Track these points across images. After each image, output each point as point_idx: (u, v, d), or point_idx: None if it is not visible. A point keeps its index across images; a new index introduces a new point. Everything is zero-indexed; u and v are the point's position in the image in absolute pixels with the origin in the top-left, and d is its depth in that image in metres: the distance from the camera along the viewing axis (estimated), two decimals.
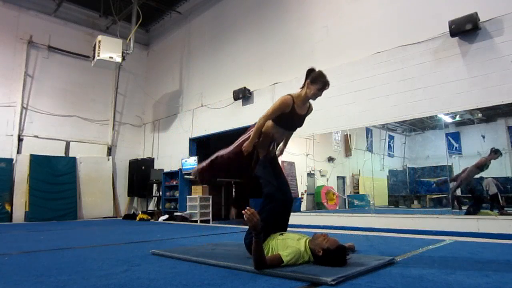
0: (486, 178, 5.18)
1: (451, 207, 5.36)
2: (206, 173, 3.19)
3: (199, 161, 8.68)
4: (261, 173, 2.89)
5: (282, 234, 2.67)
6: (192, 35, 10.05)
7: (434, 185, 6.19)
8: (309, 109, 2.99)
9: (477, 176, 5.22)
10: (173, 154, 9.76)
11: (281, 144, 3.21)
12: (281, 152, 3.27)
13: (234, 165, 3.10)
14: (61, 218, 8.80)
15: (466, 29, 4.84)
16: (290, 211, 2.97)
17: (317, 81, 2.77)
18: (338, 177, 7.99)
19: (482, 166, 5.07)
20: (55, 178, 9.03)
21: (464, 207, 5.31)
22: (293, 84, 6.94)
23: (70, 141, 9.80)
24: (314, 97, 2.83)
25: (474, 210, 5.06)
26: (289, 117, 2.84)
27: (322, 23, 6.87)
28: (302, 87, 2.85)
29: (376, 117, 5.87)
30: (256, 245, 2.23)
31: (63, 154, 9.59)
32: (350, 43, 6.38)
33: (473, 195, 5.32)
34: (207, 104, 9.06)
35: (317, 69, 2.84)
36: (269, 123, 2.91)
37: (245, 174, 3.22)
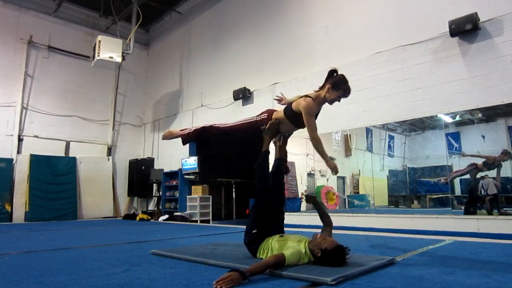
0: (486, 178, 5.17)
1: (451, 207, 5.36)
2: (191, 139, 3.22)
3: (199, 161, 8.69)
4: (257, 169, 2.90)
5: (282, 236, 2.67)
6: (192, 35, 10.05)
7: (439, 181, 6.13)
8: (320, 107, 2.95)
9: (478, 176, 5.21)
10: (173, 154, 9.76)
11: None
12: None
13: (225, 137, 3.18)
14: (61, 218, 8.79)
15: (466, 29, 4.84)
16: (284, 211, 2.99)
17: (339, 87, 2.70)
18: (338, 177, 7.98)
19: (489, 164, 5.06)
20: (55, 178, 9.03)
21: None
22: (293, 84, 6.95)
23: (70, 141, 9.80)
24: (332, 102, 2.79)
25: (474, 210, 5.06)
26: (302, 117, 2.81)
27: (322, 23, 6.87)
28: (321, 88, 2.78)
29: (376, 117, 5.87)
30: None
31: (63, 154, 9.58)
32: (350, 43, 6.38)
33: (471, 194, 5.32)
34: (207, 104, 9.06)
35: (339, 72, 2.76)
36: (281, 116, 2.91)
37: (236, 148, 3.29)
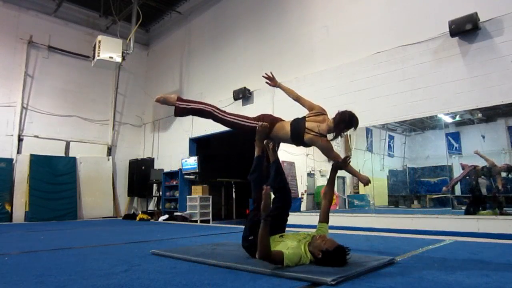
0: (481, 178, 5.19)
1: (451, 207, 5.36)
2: (186, 113, 3.10)
3: (200, 161, 8.68)
4: (250, 178, 2.87)
5: (281, 236, 2.67)
6: (192, 35, 10.05)
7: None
8: None
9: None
10: (173, 154, 9.76)
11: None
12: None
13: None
14: (61, 218, 8.79)
15: (466, 29, 4.84)
16: (288, 212, 2.97)
17: (351, 125, 2.81)
18: (338, 177, 7.95)
19: (488, 168, 5.07)
20: (55, 178, 9.03)
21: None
22: (293, 84, 6.92)
23: (70, 141, 9.80)
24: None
25: (474, 210, 5.06)
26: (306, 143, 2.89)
27: (322, 23, 6.87)
28: (334, 123, 2.79)
29: (376, 117, 5.86)
30: (262, 229, 2.22)
31: (63, 154, 9.58)
32: (350, 43, 6.37)
33: (473, 194, 5.32)
34: None
35: (347, 111, 2.83)
36: (285, 131, 2.88)
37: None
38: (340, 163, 2.85)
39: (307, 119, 2.88)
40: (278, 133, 2.94)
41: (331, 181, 2.97)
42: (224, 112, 3.04)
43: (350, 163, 2.90)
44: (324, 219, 2.81)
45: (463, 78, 4.97)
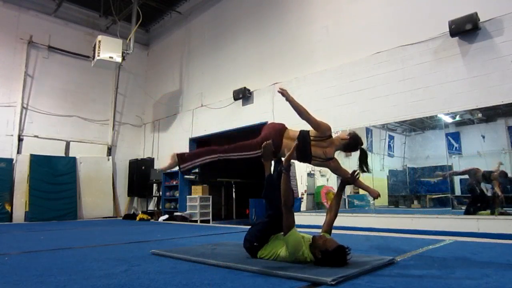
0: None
1: (451, 207, 5.36)
2: (191, 167, 3.03)
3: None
4: (266, 196, 2.86)
5: None
6: (192, 35, 10.05)
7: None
8: None
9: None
10: None
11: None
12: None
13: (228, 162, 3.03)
14: (61, 218, 8.79)
15: (466, 29, 4.84)
16: None
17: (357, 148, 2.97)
18: (338, 177, 7.96)
19: (488, 172, 5.07)
20: (55, 178, 9.03)
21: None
22: (293, 84, 6.94)
23: (70, 141, 9.80)
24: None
25: (474, 210, 5.06)
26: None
27: (322, 23, 6.87)
28: (344, 145, 2.91)
29: (376, 117, 5.87)
30: (285, 179, 2.49)
31: (63, 154, 9.58)
32: (350, 43, 6.38)
33: (472, 194, 5.32)
34: (207, 104, 9.06)
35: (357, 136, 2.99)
36: (290, 143, 2.83)
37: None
38: (349, 179, 2.92)
39: (312, 143, 2.85)
40: (285, 153, 2.90)
41: (338, 195, 3.01)
42: (228, 150, 2.93)
43: (359, 178, 2.93)
44: (327, 230, 2.84)
45: (463, 78, 4.97)
